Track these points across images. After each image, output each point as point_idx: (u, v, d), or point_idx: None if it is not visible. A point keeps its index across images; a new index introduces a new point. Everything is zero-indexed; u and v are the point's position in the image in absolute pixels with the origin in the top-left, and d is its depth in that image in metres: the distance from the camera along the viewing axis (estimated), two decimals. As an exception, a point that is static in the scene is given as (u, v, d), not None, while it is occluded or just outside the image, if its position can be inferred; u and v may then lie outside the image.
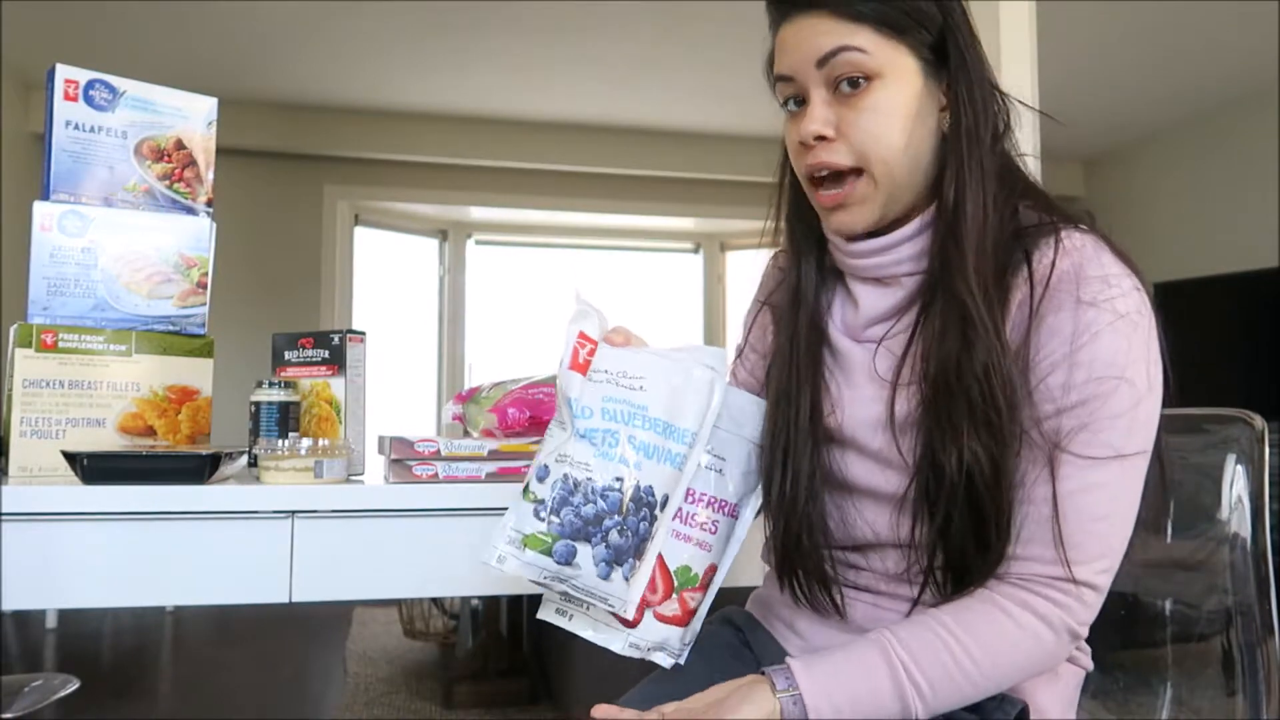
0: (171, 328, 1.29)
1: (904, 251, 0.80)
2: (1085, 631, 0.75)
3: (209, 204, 1.36)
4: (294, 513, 1.09)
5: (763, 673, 0.74)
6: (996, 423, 0.72)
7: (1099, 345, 0.71)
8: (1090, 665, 0.87)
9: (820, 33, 0.76)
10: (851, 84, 0.76)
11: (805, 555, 0.83)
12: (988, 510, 0.73)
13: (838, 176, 0.79)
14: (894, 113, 0.76)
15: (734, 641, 0.93)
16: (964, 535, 0.74)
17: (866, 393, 0.82)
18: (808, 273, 0.89)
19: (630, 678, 0.93)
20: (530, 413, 1.23)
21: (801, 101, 0.80)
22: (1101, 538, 0.73)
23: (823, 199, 0.81)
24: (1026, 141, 0.90)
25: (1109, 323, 0.71)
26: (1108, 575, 0.74)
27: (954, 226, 0.76)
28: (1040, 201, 0.80)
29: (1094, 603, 0.74)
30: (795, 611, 0.89)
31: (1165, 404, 0.78)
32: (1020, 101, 0.84)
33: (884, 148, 0.76)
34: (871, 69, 0.75)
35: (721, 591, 0.88)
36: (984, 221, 0.75)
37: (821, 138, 0.78)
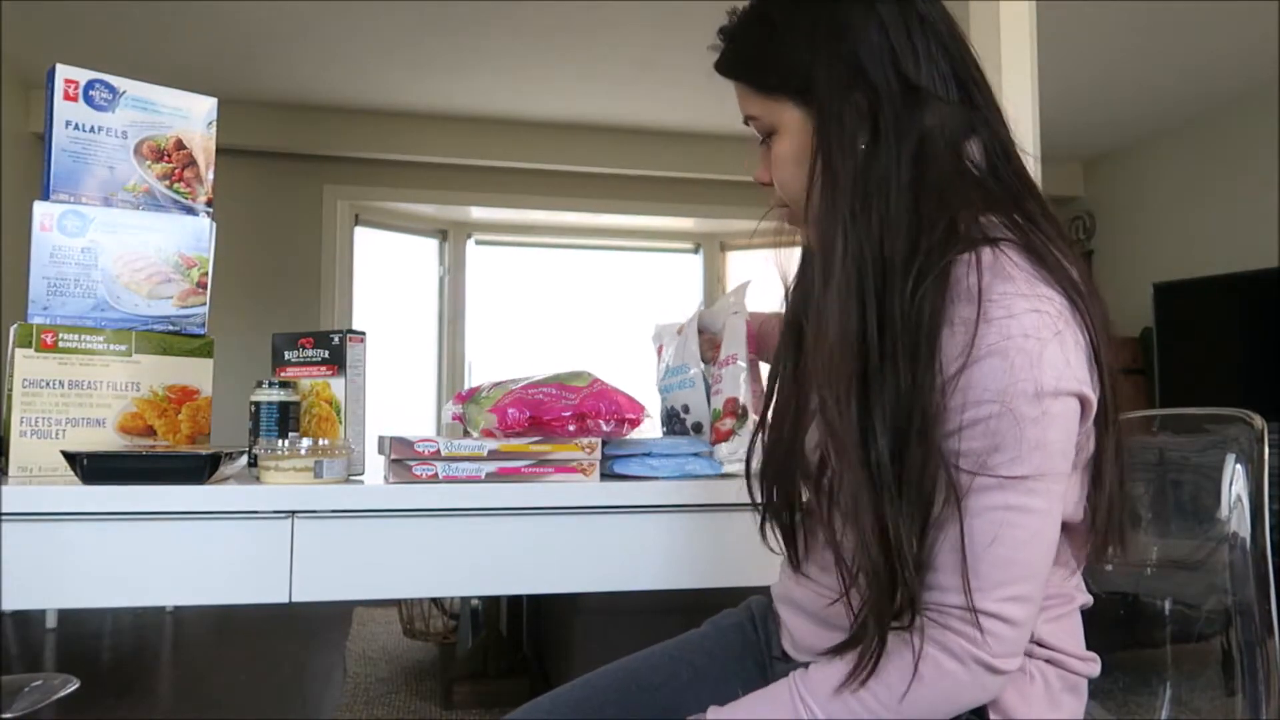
0: (171, 328, 1.29)
1: None
2: (1004, 665, 0.72)
3: (209, 204, 1.36)
4: (294, 513, 1.09)
5: None
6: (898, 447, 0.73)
7: (977, 371, 0.70)
8: (1087, 671, 0.86)
9: (740, 98, 0.88)
10: (767, 136, 0.87)
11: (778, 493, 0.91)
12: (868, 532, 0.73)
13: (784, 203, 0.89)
14: (786, 159, 0.85)
15: (745, 625, 1.02)
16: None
17: None
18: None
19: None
20: (530, 413, 1.23)
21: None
22: (999, 565, 0.71)
23: (787, 219, 0.92)
24: (1025, 141, 0.89)
25: (989, 347, 0.70)
26: (1017, 605, 0.72)
27: (820, 272, 0.79)
28: (981, 206, 0.78)
29: (1003, 633, 0.71)
30: (789, 608, 0.95)
31: (1106, 410, 0.77)
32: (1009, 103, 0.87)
33: (791, 191, 0.86)
34: (769, 128, 0.86)
35: (718, 592, 0.91)
36: (830, 251, 0.77)
37: (766, 183, 0.90)
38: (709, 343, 1.43)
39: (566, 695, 0.95)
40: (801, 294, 0.92)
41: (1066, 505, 0.78)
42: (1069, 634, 0.86)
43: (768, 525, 0.93)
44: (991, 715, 0.79)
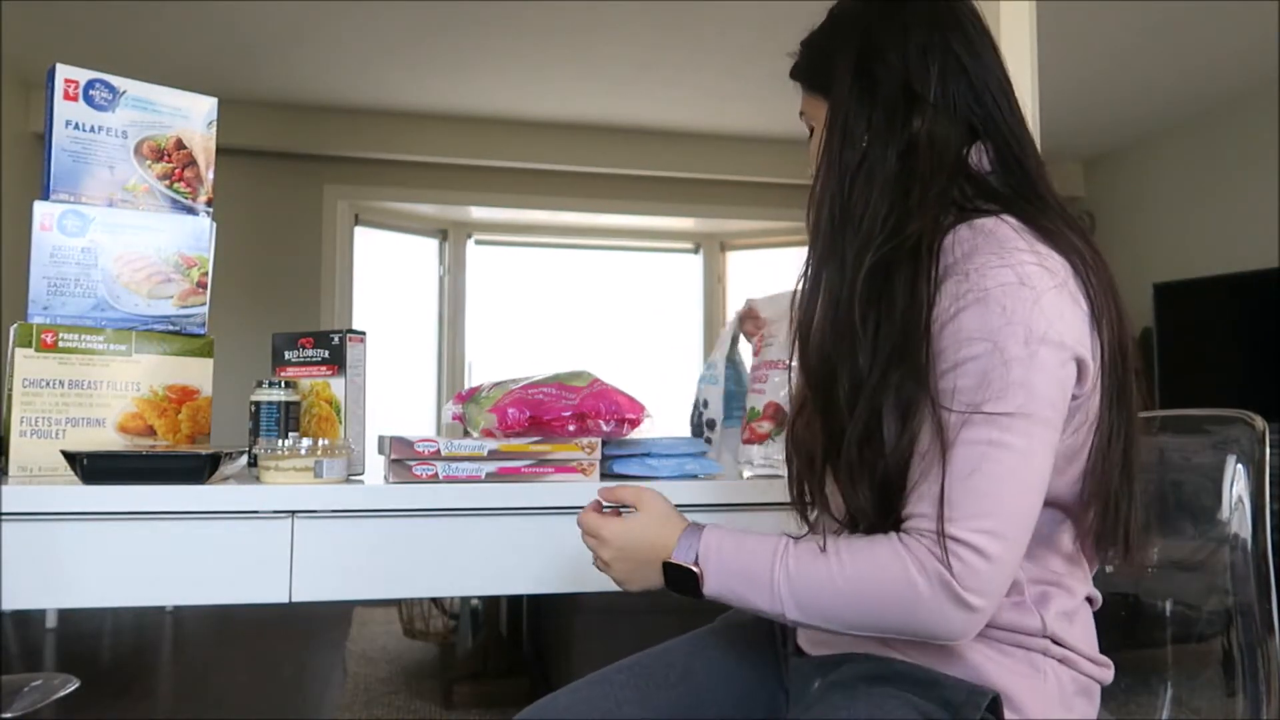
0: (171, 327, 1.29)
1: None
2: (973, 599, 0.74)
3: (209, 204, 1.36)
4: (294, 513, 1.09)
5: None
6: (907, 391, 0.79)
7: (970, 314, 0.76)
8: (1100, 675, 0.86)
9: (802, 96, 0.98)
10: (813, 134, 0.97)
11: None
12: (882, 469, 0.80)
13: None
14: (817, 152, 0.93)
15: (762, 623, 1.02)
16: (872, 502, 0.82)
17: None
18: None
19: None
20: (530, 413, 1.23)
21: None
22: (977, 495, 0.74)
23: None
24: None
25: (978, 295, 0.76)
26: (991, 539, 0.74)
27: (829, 247, 0.87)
28: (983, 192, 0.86)
29: (974, 564, 0.73)
30: None
31: (1114, 404, 0.81)
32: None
33: (822, 180, 0.92)
34: (812, 123, 0.97)
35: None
36: (870, 226, 0.84)
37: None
38: (754, 322, 1.42)
39: (584, 692, 0.95)
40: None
41: (1059, 478, 0.80)
42: (1082, 634, 0.86)
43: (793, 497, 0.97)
44: (1007, 713, 0.79)
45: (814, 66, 0.95)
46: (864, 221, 0.84)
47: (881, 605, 0.76)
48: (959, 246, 0.80)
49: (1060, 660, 0.83)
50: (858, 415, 0.80)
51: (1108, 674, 0.86)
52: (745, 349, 1.46)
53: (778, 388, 1.32)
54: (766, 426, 1.32)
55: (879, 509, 0.80)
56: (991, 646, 0.81)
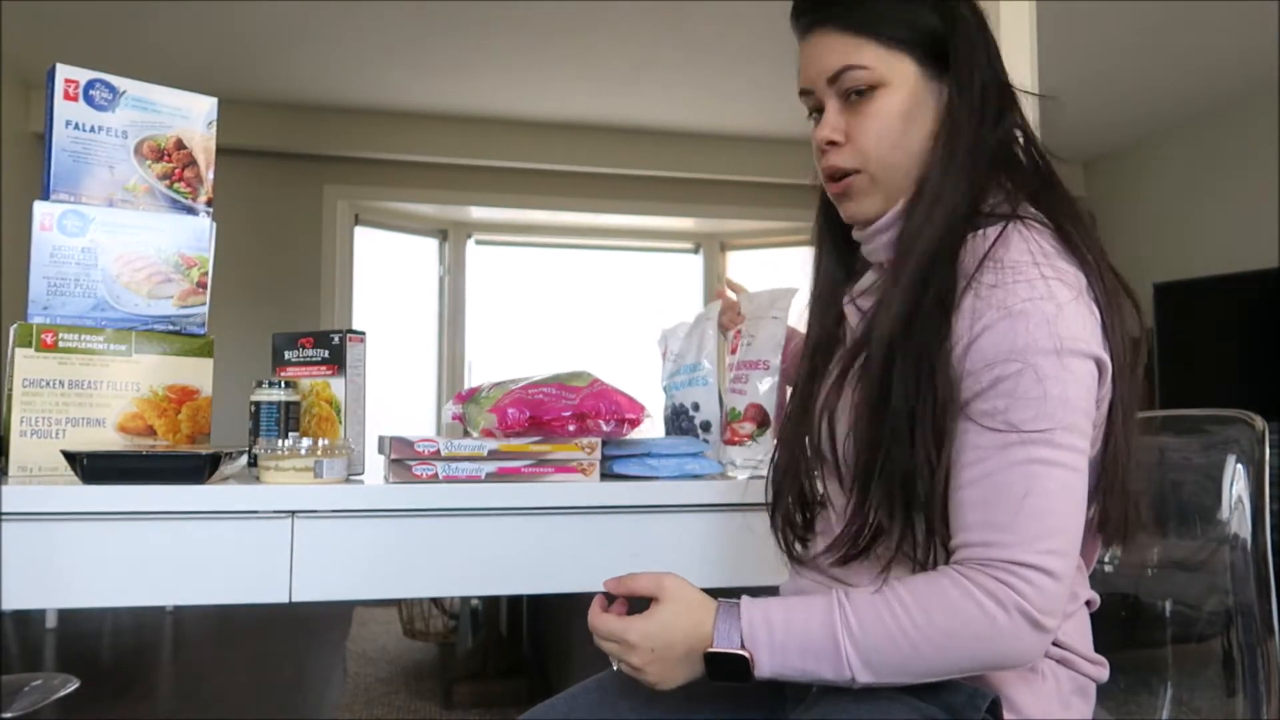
0: (171, 327, 1.29)
1: (883, 238, 0.89)
2: (1048, 621, 0.73)
3: (209, 204, 1.36)
4: (294, 513, 1.09)
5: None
6: (930, 408, 0.77)
7: (995, 332, 0.75)
8: (1096, 674, 0.86)
9: (829, 49, 0.86)
10: (859, 94, 0.86)
11: (783, 490, 0.95)
12: (910, 491, 0.78)
13: (845, 173, 0.89)
14: (893, 116, 0.85)
15: None
16: (890, 508, 0.80)
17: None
18: (829, 259, 0.99)
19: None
20: (530, 413, 1.23)
21: (820, 111, 0.89)
22: (1034, 517, 0.73)
23: (831, 189, 0.91)
24: None
25: (1008, 309, 0.75)
26: (1056, 558, 0.73)
27: (919, 218, 0.83)
28: (1021, 185, 0.86)
29: (1046, 586, 0.73)
30: None
31: (1125, 399, 0.81)
32: (1026, 91, 0.91)
33: (884, 148, 0.86)
34: (874, 80, 0.85)
35: (717, 592, 0.90)
36: (950, 209, 0.82)
37: (832, 143, 0.88)
38: (732, 316, 1.41)
39: (582, 698, 0.94)
40: (824, 295, 0.98)
41: None
42: (1080, 634, 0.86)
43: (778, 523, 0.96)
44: (1006, 714, 0.79)
45: (899, 14, 0.85)
46: (957, 211, 0.82)
47: (960, 647, 0.74)
48: (971, 257, 0.79)
49: (1059, 660, 0.83)
50: (898, 436, 0.78)
51: (1104, 673, 0.87)
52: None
53: (758, 388, 1.31)
54: (748, 428, 1.32)
55: (901, 522, 0.80)
56: None
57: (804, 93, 0.91)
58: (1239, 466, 1.05)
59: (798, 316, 1.19)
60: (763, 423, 1.31)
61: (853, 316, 0.93)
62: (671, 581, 0.83)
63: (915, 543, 0.80)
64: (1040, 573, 0.73)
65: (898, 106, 0.85)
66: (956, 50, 0.85)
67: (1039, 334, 0.74)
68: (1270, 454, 1.03)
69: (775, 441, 0.99)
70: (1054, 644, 0.83)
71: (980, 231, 0.81)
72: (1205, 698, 1.06)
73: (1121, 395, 0.81)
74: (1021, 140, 0.90)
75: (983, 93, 0.85)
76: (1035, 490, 0.73)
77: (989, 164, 0.85)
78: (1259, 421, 1.04)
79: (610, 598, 0.87)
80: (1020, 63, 2.27)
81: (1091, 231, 0.85)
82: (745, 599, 0.80)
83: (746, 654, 0.77)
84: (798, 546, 0.95)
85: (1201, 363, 4.17)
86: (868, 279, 0.93)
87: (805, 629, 0.76)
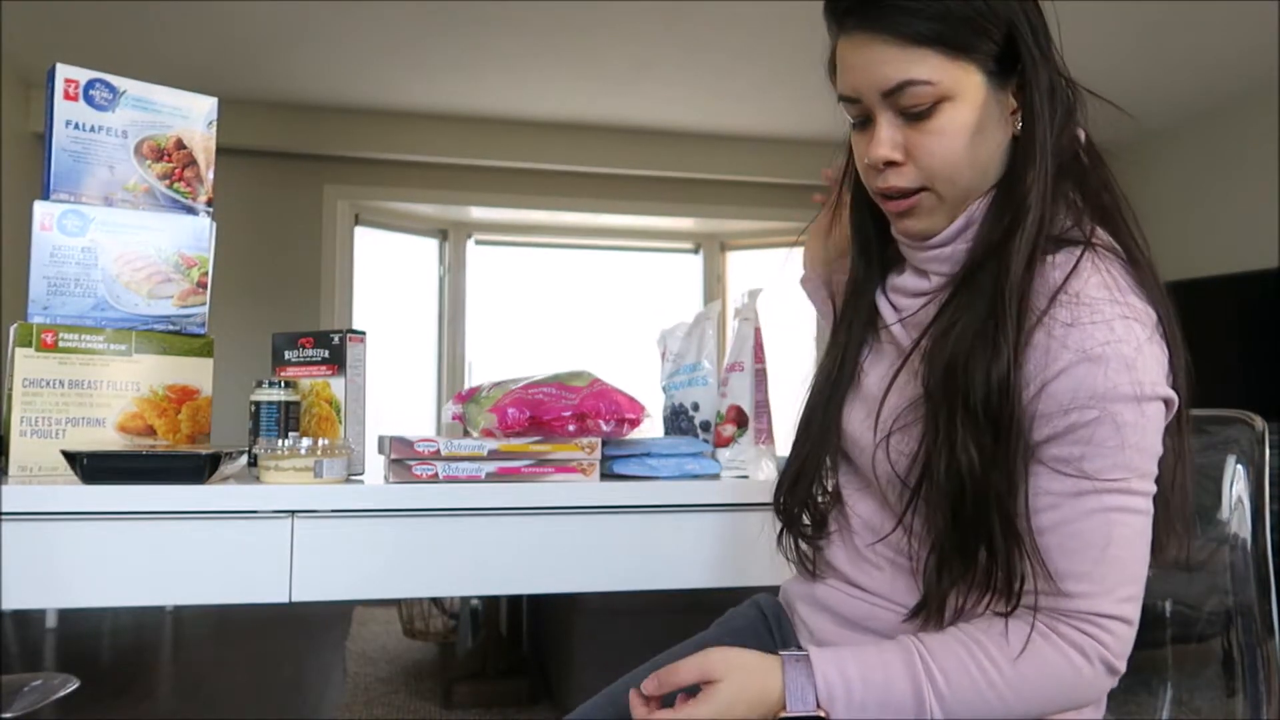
0: (171, 327, 1.29)
1: (944, 251, 0.83)
2: (1122, 665, 0.74)
3: (209, 204, 1.36)
4: (294, 512, 1.09)
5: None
6: (993, 438, 0.73)
7: (1070, 376, 0.72)
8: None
9: (883, 60, 0.77)
10: (919, 111, 0.77)
11: (795, 501, 0.92)
12: (971, 523, 0.74)
13: (907, 193, 0.82)
14: (961, 132, 0.77)
15: (759, 625, 0.99)
16: (948, 542, 0.76)
17: (878, 373, 0.88)
18: (868, 260, 0.93)
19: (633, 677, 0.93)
20: (530, 413, 1.23)
21: (867, 120, 0.81)
22: (1118, 566, 0.73)
23: (890, 208, 0.84)
24: None
25: (1084, 354, 0.72)
26: (1132, 605, 0.74)
27: (1011, 229, 0.77)
28: (1088, 198, 0.82)
29: (1124, 634, 0.73)
30: (810, 607, 0.93)
31: (1186, 432, 0.80)
32: (1088, 90, 0.86)
33: (951, 167, 0.78)
34: (939, 96, 0.76)
35: (716, 592, 0.90)
36: (1039, 227, 0.77)
37: (890, 163, 0.80)
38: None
39: (592, 714, 0.91)
40: (857, 286, 0.93)
41: None
42: None
43: (789, 537, 0.93)
44: None
45: (968, 20, 0.76)
46: (1042, 226, 0.77)
47: (1044, 697, 0.74)
48: (1043, 288, 0.75)
49: None
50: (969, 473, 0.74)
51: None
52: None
53: (738, 390, 1.34)
54: (730, 430, 1.34)
55: (956, 543, 0.76)
56: None
57: (847, 100, 0.82)
58: (1239, 467, 1.05)
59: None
60: (742, 423, 1.33)
61: (889, 314, 0.89)
62: (717, 656, 0.76)
63: (994, 576, 0.75)
64: (1120, 622, 0.73)
65: (965, 120, 0.77)
66: (1029, 49, 0.78)
67: (1119, 379, 0.71)
68: (1270, 454, 1.03)
69: (761, 441, 0.97)
70: None
71: (1050, 258, 0.77)
72: (1205, 698, 1.06)
73: (1184, 429, 0.79)
74: (1084, 141, 0.85)
75: (1051, 92, 0.79)
76: (1115, 539, 0.72)
77: (1058, 173, 0.80)
78: (1259, 422, 1.04)
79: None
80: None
81: (1148, 248, 0.82)
82: (814, 651, 0.76)
83: (823, 715, 0.73)
84: (809, 553, 0.92)
85: (1201, 363, 4.14)
86: (910, 278, 0.89)
87: (886, 685, 0.73)
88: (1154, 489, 0.75)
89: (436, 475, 1.15)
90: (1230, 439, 1.06)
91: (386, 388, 4.45)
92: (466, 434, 1.34)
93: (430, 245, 5.25)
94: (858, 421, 0.88)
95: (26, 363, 1.19)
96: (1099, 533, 0.72)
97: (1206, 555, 1.06)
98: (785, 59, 3.81)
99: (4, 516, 1.01)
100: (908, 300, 0.88)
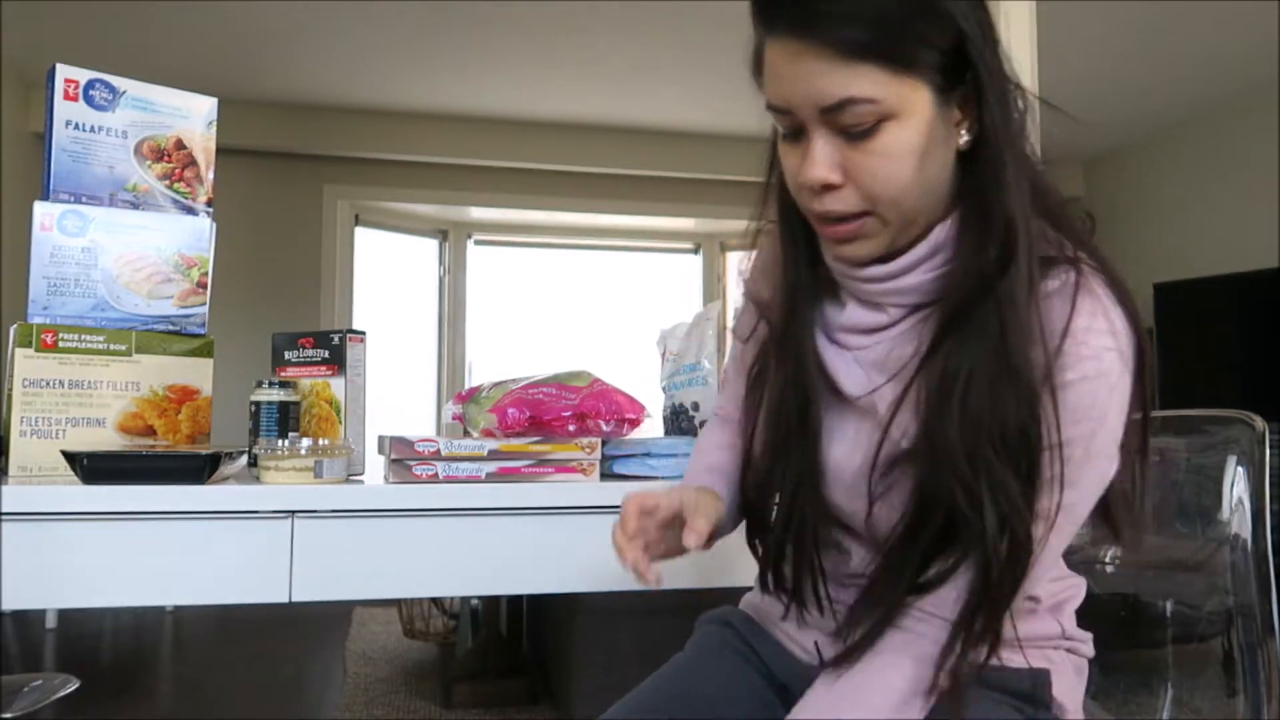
0: (171, 328, 1.29)
1: (906, 281, 0.77)
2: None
3: (209, 204, 1.36)
4: (294, 513, 1.09)
5: None
6: (1027, 479, 0.71)
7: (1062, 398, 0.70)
8: (1089, 652, 0.88)
9: (818, 74, 0.68)
10: (860, 130, 0.70)
11: (791, 561, 0.85)
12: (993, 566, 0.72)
13: (845, 216, 0.74)
14: (907, 153, 0.70)
15: (736, 643, 0.93)
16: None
17: (850, 424, 0.81)
18: (799, 281, 0.84)
19: (630, 678, 0.93)
20: (530, 413, 1.23)
21: (799, 133, 0.73)
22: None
23: (828, 233, 0.76)
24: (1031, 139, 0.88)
25: (1068, 379, 0.70)
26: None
27: (1005, 258, 0.71)
28: (1054, 215, 0.77)
29: None
30: (794, 625, 0.90)
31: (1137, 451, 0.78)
32: (1038, 98, 0.79)
33: (896, 190, 0.71)
34: (881, 114, 0.69)
35: (714, 592, 0.90)
36: (1032, 253, 0.71)
37: (828, 185, 0.72)
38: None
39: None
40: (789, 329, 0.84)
41: None
42: (1075, 625, 0.88)
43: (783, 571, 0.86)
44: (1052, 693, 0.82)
45: (914, 32, 0.68)
46: (1033, 243, 0.73)
47: None
48: (1045, 322, 0.71)
49: (1069, 650, 0.86)
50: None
51: (1092, 649, 0.89)
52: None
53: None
54: None
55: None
56: (1016, 653, 0.82)
57: (776, 110, 0.73)
58: (1239, 467, 1.05)
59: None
60: None
61: (843, 368, 0.80)
62: None
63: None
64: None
65: (910, 140, 0.70)
66: (981, 57, 0.70)
67: (1093, 425, 0.71)
68: (1270, 454, 1.03)
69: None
70: (1064, 637, 0.85)
71: (1044, 285, 0.72)
72: (1205, 698, 1.06)
73: (1145, 423, 0.77)
74: (1036, 153, 0.79)
75: (1005, 100, 0.72)
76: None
77: (1032, 188, 0.74)
78: (1259, 422, 1.04)
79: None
80: (1020, 63, 2.27)
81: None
82: None
83: None
84: (826, 595, 0.85)
85: (1201, 363, 4.16)
86: (859, 313, 0.80)
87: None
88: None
89: (436, 475, 1.15)
90: (1230, 439, 1.06)
91: (386, 388, 4.45)
92: (466, 434, 1.34)
93: (430, 245, 5.25)
94: (841, 493, 0.82)
95: (26, 363, 1.19)
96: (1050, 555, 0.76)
97: (1206, 555, 1.06)
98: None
99: (4, 516, 1.01)
100: (859, 339, 0.80)
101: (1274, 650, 0.99)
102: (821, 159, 0.71)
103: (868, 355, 0.79)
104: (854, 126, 0.69)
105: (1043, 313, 0.70)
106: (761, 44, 0.74)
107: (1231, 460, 1.05)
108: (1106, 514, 0.80)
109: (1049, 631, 0.85)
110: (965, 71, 0.71)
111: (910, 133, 0.70)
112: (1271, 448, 1.04)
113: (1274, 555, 1.02)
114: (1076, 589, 0.89)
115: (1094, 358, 0.70)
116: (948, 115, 0.72)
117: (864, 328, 0.80)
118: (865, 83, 0.68)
